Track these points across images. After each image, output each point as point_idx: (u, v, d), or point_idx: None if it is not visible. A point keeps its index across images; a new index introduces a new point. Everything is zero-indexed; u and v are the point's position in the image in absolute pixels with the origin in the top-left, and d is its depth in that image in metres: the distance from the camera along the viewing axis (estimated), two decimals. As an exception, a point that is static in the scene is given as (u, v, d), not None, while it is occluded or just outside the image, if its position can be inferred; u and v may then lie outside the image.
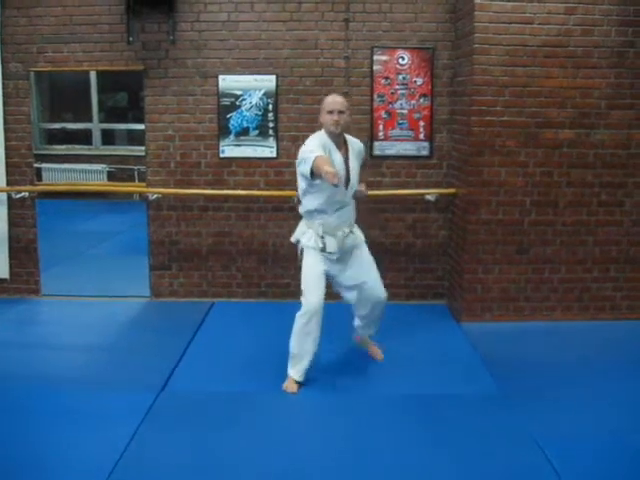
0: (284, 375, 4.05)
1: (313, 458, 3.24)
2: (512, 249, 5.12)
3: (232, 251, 5.65)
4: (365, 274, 4.10)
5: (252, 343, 4.71)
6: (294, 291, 4.88)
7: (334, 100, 3.90)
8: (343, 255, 4.04)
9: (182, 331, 4.90)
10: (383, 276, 5.56)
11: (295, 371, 4.00)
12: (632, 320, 5.16)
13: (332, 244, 3.95)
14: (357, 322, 4.37)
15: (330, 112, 3.85)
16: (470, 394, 3.96)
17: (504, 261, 5.12)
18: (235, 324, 5.14)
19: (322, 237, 3.95)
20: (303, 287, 3.96)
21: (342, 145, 3.96)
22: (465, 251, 5.13)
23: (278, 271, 5.65)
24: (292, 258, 5.28)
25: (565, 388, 4.01)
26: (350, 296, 4.18)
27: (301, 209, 4.07)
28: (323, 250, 3.95)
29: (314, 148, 3.73)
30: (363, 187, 4.05)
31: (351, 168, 3.96)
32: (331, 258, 4.00)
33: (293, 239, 4.14)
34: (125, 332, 4.98)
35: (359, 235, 4.15)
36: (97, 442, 3.30)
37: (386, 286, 5.59)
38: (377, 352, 4.47)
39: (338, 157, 3.89)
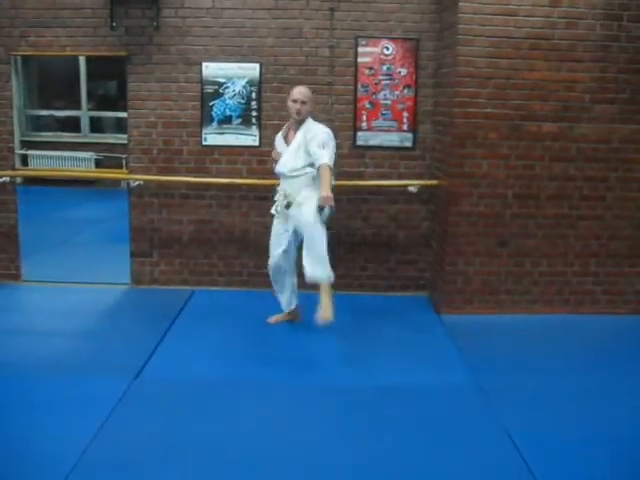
0: (262, 362, 4.18)
1: (285, 446, 3.23)
2: (493, 241, 5.11)
3: (214, 239, 5.63)
4: (301, 217, 4.45)
5: (231, 331, 4.70)
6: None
7: (299, 91, 4.49)
8: (292, 215, 4.54)
9: (161, 318, 4.88)
10: (364, 267, 5.64)
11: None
12: (612, 314, 5.18)
13: (276, 205, 4.66)
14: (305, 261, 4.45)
15: (294, 101, 4.47)
16: (445, 385, 3.96)
17: (485, 253, 5.12)
18: (215, 312, 5.12)
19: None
20: None
21: (297, 129, 4.51)
22: (446, 243, 5.12)
23: (260, 260, 5.61)
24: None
25: (541, 381, 4.02)
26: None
27: None
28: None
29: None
30: (323, 193, 4.28)
31: (289, 150, 4.52)
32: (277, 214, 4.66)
33: None
34: (103, 318, 4.95)
35: (304, 202, 4.45)
36: (68, 427, 3.29)
37: (367, 277, 5.67)
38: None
39: (280, 139, 4.66)
